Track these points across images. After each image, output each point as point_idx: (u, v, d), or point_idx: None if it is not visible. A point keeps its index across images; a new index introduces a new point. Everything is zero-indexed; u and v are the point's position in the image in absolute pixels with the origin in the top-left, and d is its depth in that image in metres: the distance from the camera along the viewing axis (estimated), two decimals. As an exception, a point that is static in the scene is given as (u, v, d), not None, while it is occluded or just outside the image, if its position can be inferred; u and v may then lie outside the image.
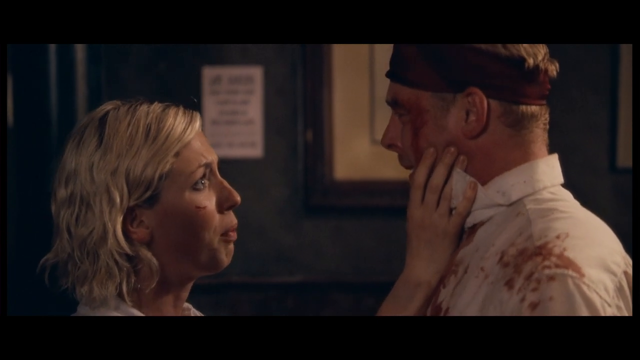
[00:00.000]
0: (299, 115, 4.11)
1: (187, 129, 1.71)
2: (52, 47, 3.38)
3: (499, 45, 1.60)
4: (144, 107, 1.72)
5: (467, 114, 1.62)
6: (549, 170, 1.64)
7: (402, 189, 4.02)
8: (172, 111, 1.72)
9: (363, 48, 4.07)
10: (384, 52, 4.03)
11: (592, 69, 4.04)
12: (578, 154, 4.02)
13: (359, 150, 4.09)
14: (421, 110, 1.64)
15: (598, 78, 4.05)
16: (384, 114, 4.38)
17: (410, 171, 1.71)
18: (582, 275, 1.46)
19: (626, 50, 3.97)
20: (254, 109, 4.12)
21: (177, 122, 1.70)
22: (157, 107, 1.72)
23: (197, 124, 1.73)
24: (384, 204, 4.06)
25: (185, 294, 1.78)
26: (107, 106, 1.74)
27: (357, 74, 4.09)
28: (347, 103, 4.10)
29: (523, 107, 1.62)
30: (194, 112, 1.75)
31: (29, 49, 3.36)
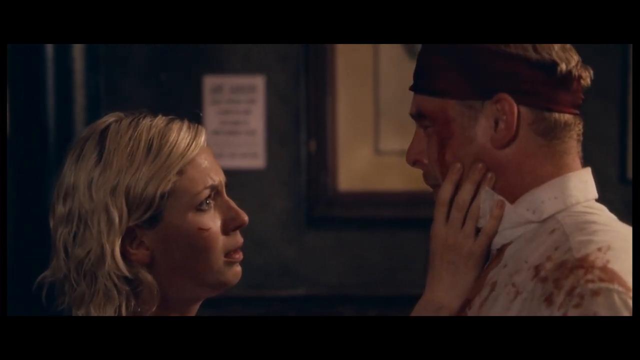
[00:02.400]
0: (302, 125, 4.08)
1: (191, 144, 1.65)
2: (50, 56, 3.37)
3: (530, 49, 1.53)
4: (146, 121, 1.66)
5: (496, 122, 1.55)
6: (581, 185, 1.58)
7: (406, 200, 4.01)
8: (175, 126, 1.66)
9: (367, 56, 4.04)
10: (388, 59, 4.00)
11: (601, 78, 3.98)
12: (587, 164, 3.95)
13: (362, 160, 4.05)
14: (448, 120, 1.57)
15: (607, 87, 4.01)
16: (389, 124, 4.36)
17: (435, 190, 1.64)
18: (629, 289, 1.39)
19: (636, 59, 3.92)
20: (256, 119, 4.08)
21: (181, 137, 1.65)
22: (160, 120, 1.67)
23: (202, 139, 1.68)
24: (388, 216, 4.04)
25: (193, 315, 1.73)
26: (109, 118, 1.69)
27: (361, 82, 4.06)
28: (350, 112, 4.07)
29: (555, 115, 1.55)
30: (199, 127, 1.69)
31: (26, 58, 3.35)
